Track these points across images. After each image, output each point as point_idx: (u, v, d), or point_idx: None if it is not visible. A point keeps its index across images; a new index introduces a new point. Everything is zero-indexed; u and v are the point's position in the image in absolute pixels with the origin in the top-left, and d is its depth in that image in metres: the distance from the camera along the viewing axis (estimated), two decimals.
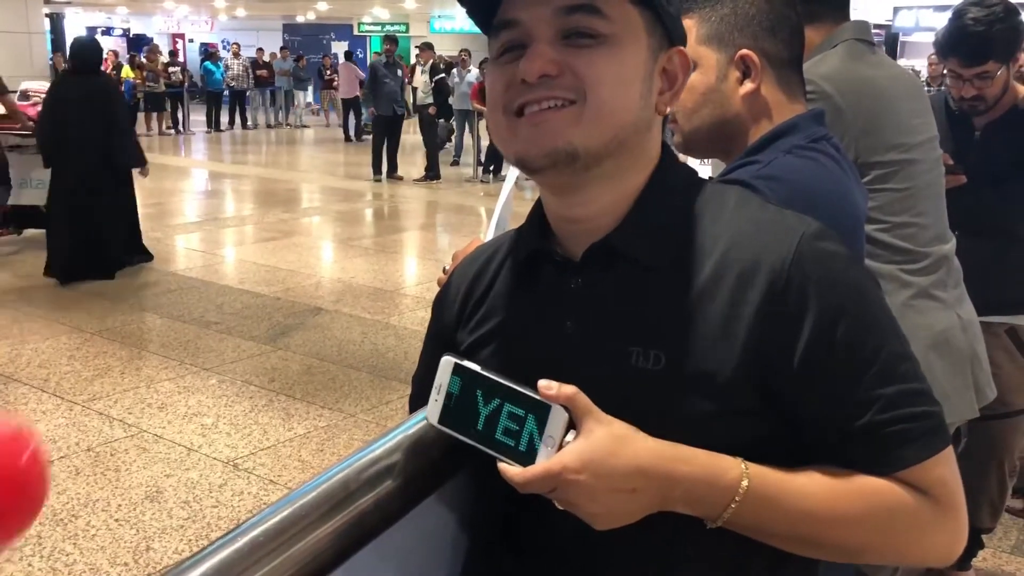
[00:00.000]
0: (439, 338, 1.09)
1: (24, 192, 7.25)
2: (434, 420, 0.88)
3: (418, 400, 1.10)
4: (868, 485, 0.84)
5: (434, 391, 0.88)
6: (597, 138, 0.86)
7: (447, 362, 0.88)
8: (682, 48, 0.93)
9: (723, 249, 0.89)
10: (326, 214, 10.34)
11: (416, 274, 7.64)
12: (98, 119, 6.38)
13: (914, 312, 1.77)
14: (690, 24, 1.35)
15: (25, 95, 7.59)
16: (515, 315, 0.99)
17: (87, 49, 6.86)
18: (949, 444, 0.87)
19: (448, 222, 10.22)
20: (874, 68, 1.82)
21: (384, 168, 12.49)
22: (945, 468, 0.86)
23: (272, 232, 8.99)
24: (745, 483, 0.82)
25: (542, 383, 0.82)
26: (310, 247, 8.46)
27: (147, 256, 7.22)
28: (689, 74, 0.95)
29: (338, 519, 0.81)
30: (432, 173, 12.34)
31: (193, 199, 11.43)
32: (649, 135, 0.92)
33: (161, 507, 3.40)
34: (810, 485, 0.84)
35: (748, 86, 1.34)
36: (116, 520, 3.31)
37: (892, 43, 17.64)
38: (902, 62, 18.39)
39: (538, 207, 0.99)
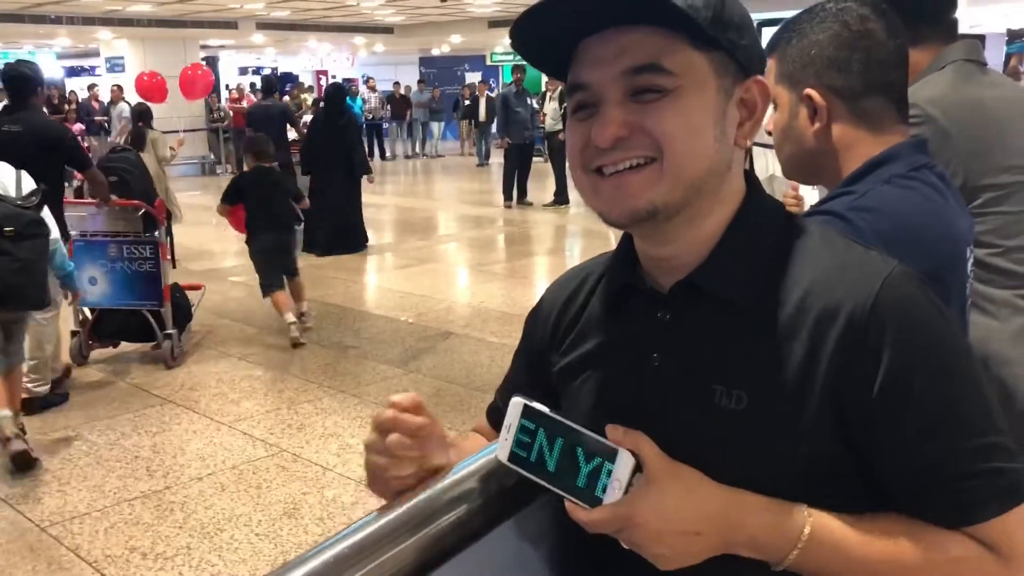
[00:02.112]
0: (528, 355, 1.13)
1: None
2: (504, 458, 0.91)
3: (495, 412, 1.16)
4: (934, 537, 0.84)
5: (504, 430, 0.91)
6: (676, 192, 0.88)
7: (516, 403, 0.90)
8: (760, 77, 0.93)
9: (805, 290, 0.89)
10: (459, 240, 10.61)
11: None
12: (340, 141, 9.09)
13: None
14: (771, 64, 1.39)
15: None
16: (605, 343, 1.01)
17: (338, 92, 9.77)
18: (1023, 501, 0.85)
19: (576, 246, 10.29)
20: (983, 89, 1.78)
21: (515, 194, 12.71)
22: (1016, 525, 0.85)
23: (407, 259, 9.30)
24: (807, 530, 0.84)
25: (610, 427, 0.85)
26: (443, 273, 8.70)
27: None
28: (768, 102, 0.95)
29: (418, 537, 0.87)
30: (561, 198, 12.45)
31: None
32: (729, 174, 0.93)
33: (298, 523, 3.60)
34: (874, 534, 0.85)
35: (816, 125, 1.36)
36: (257, 535, 3.52)
37: None
38: None
39: (628, 236, 1.00)
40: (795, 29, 1.38)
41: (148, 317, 5.57)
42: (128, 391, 5.27)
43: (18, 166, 4.17)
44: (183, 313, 5.88)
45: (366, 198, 9.96)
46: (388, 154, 21.61)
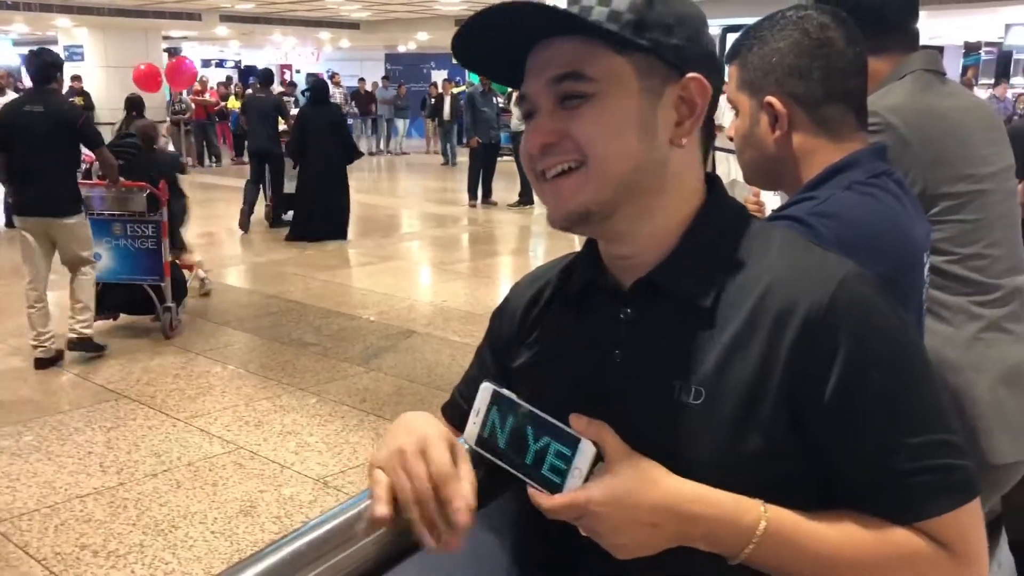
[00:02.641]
0: (492, 352, 1.14)
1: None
2: (471, 442, 0.93)
3: (449, 408, 1.16)
4: (887, 533, 0.86)
5: (473, 414, 0.94)
6: (602, 193, 0.91)
7: (486, 388, 0.93)
8: (696, 75, 0.92)
9: (763, 289, 0.91)
10: (422, 239, 10.58)
11: None
12: (329, 131, 9.54)
13: (983, 345, 1.74)
14: (733, 70, 1.40)
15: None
16: (568, 340, 1.02)
17: (323, 84, 10.58)
18: (975, 498, 0.87)
19: (540, 246, 10.31)
20: (943, 98, 1.80)
21: (479, 193, 12.70)
22: (968, 521, 0.86)
23: (370, 257, 9.25)
24: (763, 525, 0.85)
25: (573, 417, 0.87)
26: (406, 271, 8.68)
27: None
28: (708, 98, 0.94)
29: (376, 535, 0.86)
30: (526, 198, 12.46)
31: None
32: (666, 172, 0.93)
33: (254, 521, 3.56)
34: (829, 529, 0.86)
35: (776, 132, 1.37)
36: (212, 532, 3.48)
37: (1005, 61, 16.96)
38: (1016, 80, 17.64)
39: (593, 239, 1.03)
40: (756, 36, 1.39)
41: (149, 291, 6.01)
42: (82, 385, 5.18)
43: (38, 143, 5.03)
44: (180, 288, 6.31)
45: None
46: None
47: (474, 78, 17.11)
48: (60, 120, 5.23)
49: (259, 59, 29.89)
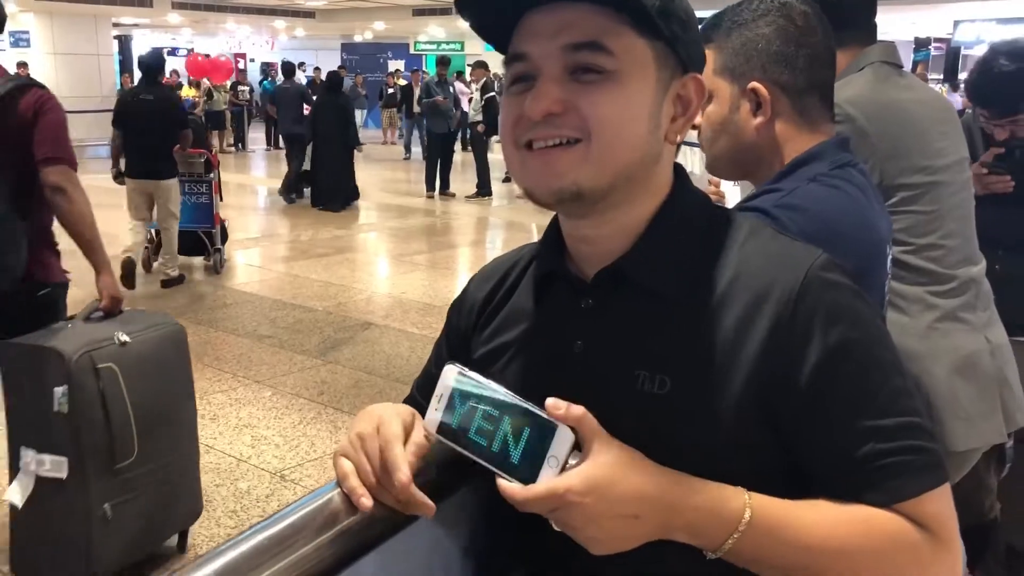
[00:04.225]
0: (450, 344, 1.12)
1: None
2: (432, 429, 0.87)
3: (411, 404, 1.10)
4: (869, 516, 0.84)
5: (434, 399, 0.88)
6: (602, 177, 0.88)
7: (450, 370, 0.87)
8: (697, 75, 0.93)
9: (731, 279, 0.90)
10: (379, 230, 10.50)
11: None
12: (341, 117, 11.24)
13: (939, 335, 1.77)
14: (708, 54, 1.34)
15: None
16: (528, 331, 1.01)
17: (337, 77, 12.00)
18: (946, 482, 0.87)
19: (499, 238, 10.29)
20: (900, 91, 1.83)
21: (437, 185, 12.65)
22: (943, 504, 0.86)
23: (326, 248, 9.16)
24: (748, 514, 0.83)
25: (550, 402, 0.82)
26: (362, 263, 8.60)
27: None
28: (704, 100, 0.95)
29: (331, 532, 0.84)
30: (484, 190, 12.44)
31: (251, 216, 11.69)
32: (658, 165, 0.93)
33: (210, 516, 3.50)
34: (812, 516, 0.84)
35: (759, 119, 1.35)
36: None
37: (954, 57, 17.29)
38: (964, 76, 18.01)
39: (555, 224, 1.00)
40: (734, 21, 1.37)
41: (203, 237, 7.73)
42: None
43: (147, 125, 6.70)
44: (224, 236, 7.98)
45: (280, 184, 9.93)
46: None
47: (432, 68, 17.00)
48: (163, 106, 6.87)
49: (212, 47, 29.41)
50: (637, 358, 0.90)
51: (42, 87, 2.98)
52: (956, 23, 16.58)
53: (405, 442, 0.89)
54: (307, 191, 11.91)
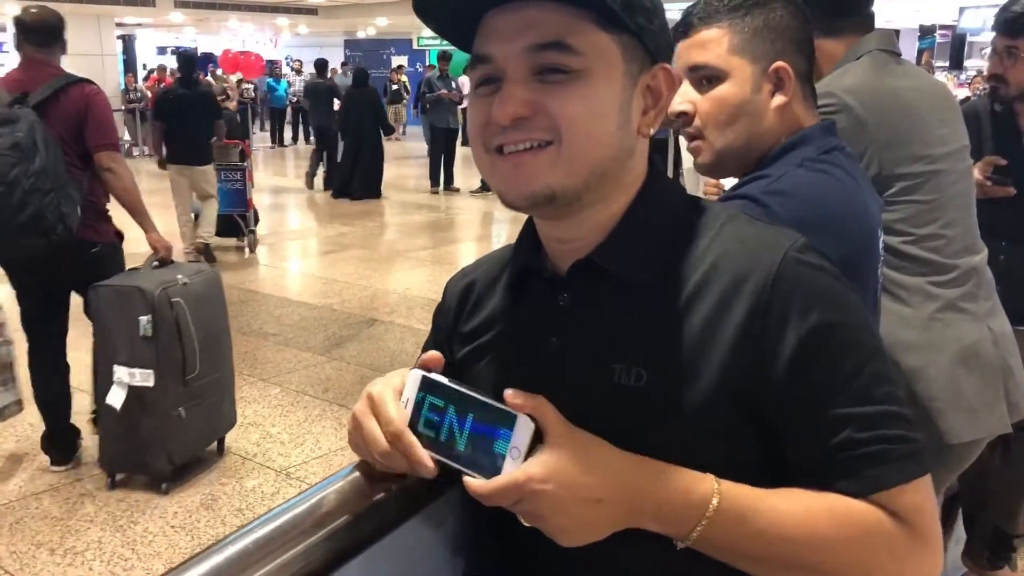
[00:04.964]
0: (436, 345, 1.10)
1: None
2: None
3: None
4: (844, 506, 0.83)
5: (401, 404, 0.88)
6: (575, 177, 0.86)
7: (415, 375, 0.87)
8: (667, 65, 0.92)
9: (707, 267, 0.89)
10: (384, 226, 10.50)
11: None
12: (369, 111, 11.86)
13: (941, 325, 1.75)
14: (719, 33, 1.33)
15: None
16: (506, 330, 1.00)
17: (364, 72, 12.44)
18: (927, 473, 0.85)
19: (503, 232, 10.28)
20: (898, 79, 1.81)
21: (441, 180, 12.64)
22: (922, 496, 0.85)
23: (331, 245, 9.16)
24: (716, 500, 0.81)
25: (508, 392, 0.81)
26: (367, 259, 8.59)
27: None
28: (675, 90, 0.93)
29: (318, 536, 0.84)
30: (488, 185, 12.42)
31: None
32: (632, 160, 0.91)
33: (215, 514, 3.51)
34: (784, 504, 0.83)
35: (780, 99, 1.34)
36: (172, 527, 3.42)
37: (959, 44, 17.18)
38: (970, 63, 17.89)
39: (530, 222, 0.99)
40: (754, 1, 1.33)
41: (237, 219, 8.46)
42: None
43: (185, 117, 7.53)
44: (256, 219, 8.79)
45: (285, 181, 10.13)
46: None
47: (434, 63, 16.95)
48: (199, 100, 7.74)
49: (215, 46, 29.42)
50: (613, 352, 0.89)
51: (90, 82, 3.74)
52: (961, 10, 16.46)
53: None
54: (324, 180, 12.71)
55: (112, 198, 3.74)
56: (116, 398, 3.50)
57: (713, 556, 0.85)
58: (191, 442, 3.78)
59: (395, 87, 20.12)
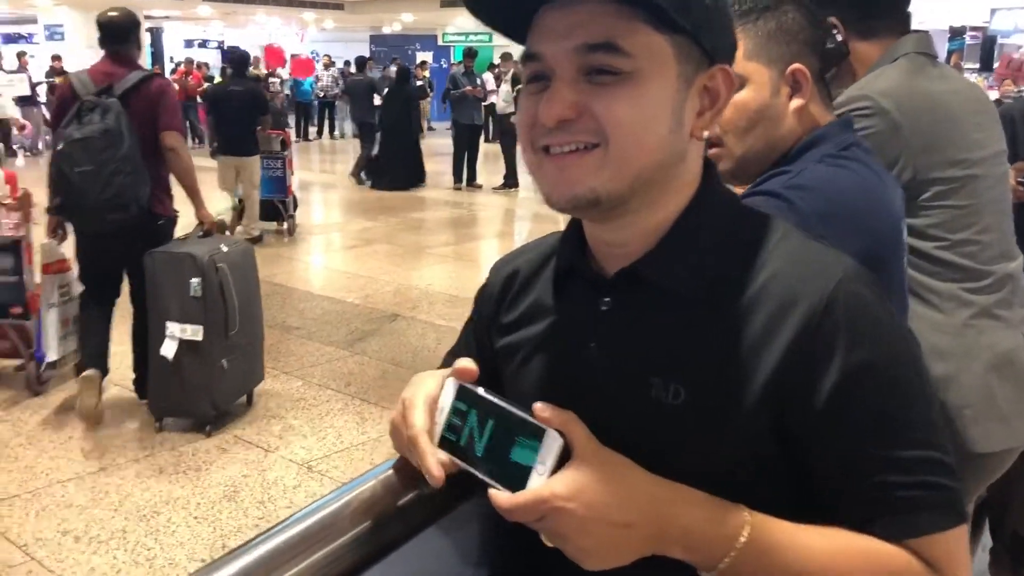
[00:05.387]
0: (476, 331, 1.10)
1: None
2: (435, 443, 0.86)
3: None
4: (874, 548, 0.80)
5: (437, 413, 0.86)
6: (620, 182, 0.84)
7: (450, 384, 0.86)
8: (725, 66, 0.88)
9: (758, 286, 0.85)
10: (407, 222, 10.51)
11: None
12: (407, 105, 12.49)
13: (975, 332, 1.72)
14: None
15: None
16: (546, 328, 0.97)
17: (402, 72, 13.18)
18: (964, 522, 0.83)
19: (525, 230, 10.27)
20: (935, 82, 1.78)
21: (464, 176, 12.64)
22: (957, 545, 0.82)
23: (354, 240, 9.20)
24: (747, 532, 0.79)
25: (538, 406, 0.79)
26: (390, 254, 8.61)
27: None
28: (733, 92, 0.90)
29: (344, 539, 0.84)
30: (511, 181, 12.41)
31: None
32: (683, 164, 0.88)
33: (237, 506, 3.53)
34: (816, 541, 0.80)
35: (798, 102, 1.33)
36: (195, 518, 3.45)
37: (989, 46, 16.97)
38: (998, 65, 17.65)
39: (577, 220, 0.96)
40: (757, 5, 1.33)
41: (278, 205, 9.08)
42: (61, 371, 5.12)
43: (236, 112, 8.18)
44: (295, 204, 9.37)
45: (310, 176, 10.38)
46: (337, 132, 21.32)
47: (458, 59, 16.95)
48: (248, 95, 8.34)
49: (242, 40, 29.58)
50: (651, 365, 0.86)
51: (162, 76, 4.59)
52: (993, 11, 16.27)
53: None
54: (360, 172, 13.15)
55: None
56: (169, 350, 4.06)
57: None
58: (230, 391, 4.35)
59: (419, 83, 20.15)
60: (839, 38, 1.79)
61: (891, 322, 0.86)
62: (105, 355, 4.34)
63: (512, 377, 0.98)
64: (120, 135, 3.87)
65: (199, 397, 4.15)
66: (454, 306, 6.43)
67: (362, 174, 13.01)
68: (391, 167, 12.46)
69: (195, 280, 4.03)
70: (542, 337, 0.98)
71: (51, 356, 4.65)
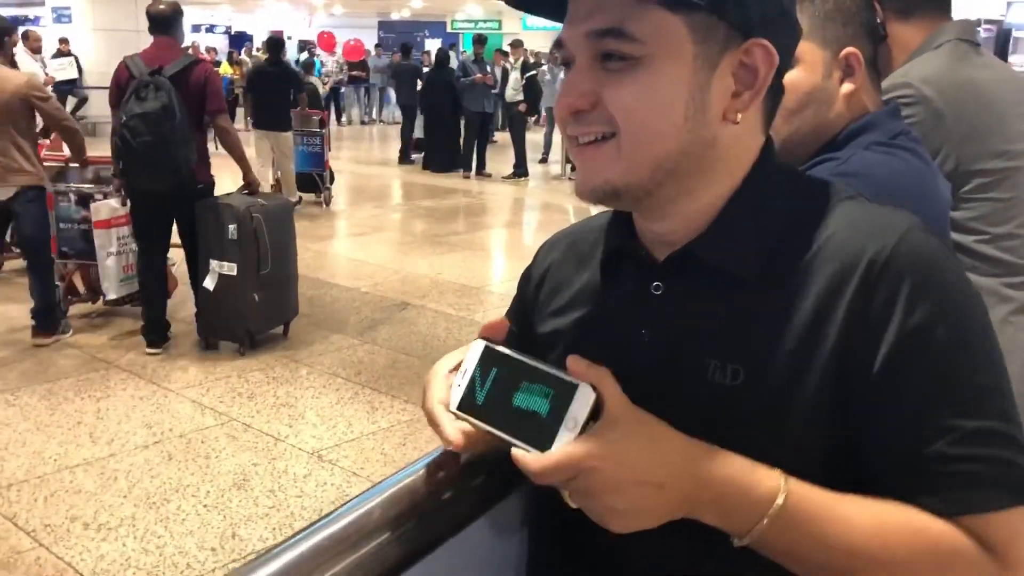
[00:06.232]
0: (518, 315, 1.05)
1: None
2: (453, 407, 0.82)
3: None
4: (924, 525, 0.75)
5: (458, 375, 0.83)
6: (636, 173, 0.81)
7: (478, 344, 0.82)
8: (764, 41, 0.81)
9: (814, 252, 0.81)
10: (416, 210, 10.48)
11: (502, 271, 7.66)
12: (446, 89, 12.50)
13: (1014, 328, 1.67)
14: None
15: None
16: (594, 313, 0.94)
17: (445, 55, 13.44)
18: None
19: (535, 219, 10.22)
20: (979, 70, 1.73)
21: (474, 165, 12.59)
22: (1016, 527, 0.75)
23: (363, 227, 9.16)
24: (781, 498, 0.74)
25: (571, 358, 0.75)
26: (399, 242, 8.58)
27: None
28: (774, 67, 0.83)
29: (399, 530, 0.80)
30: (521, 171, 12.36)
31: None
32: (713, 151, 0.83)
33: (248, 495, 3.50)
34: (857, 514, 0.75)
35: (849, 87, 1.29)
36: (205, 506, 3.42)
37: (1005, 39, 16.84)
38: (1014, 59, 17.54)
39: None
40: None
41: (315, 177, 9.97)
42: (71, 355, 5.09)
43: (270, 90, 9.11)
44: (332, 178, 10.21)
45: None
46: (344, 119, 21.27)
47: (467, 46, 16.90)
48: (283, 77, 9.27)
49: (250, 25, 29.51)
50: (708, 346, 0.83)
51: (206, 61, 5.48)
52: (1009, 4, 16.13)
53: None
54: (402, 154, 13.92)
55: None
56: (211, 282, 5.02)
57: (772, 558, 0.78)
58: (263, 320, 5.25)
59: (427, 70, 20.10)
60: (877, 19, 1.74)
61: (959, 280, 0.80)
62: (159, 295, 5.19)
63: (558, 361, 0.93)
64: (174, 110, 4.60)
65: (235, 323, 5.08)
66: (464, 295, 6.39)
67: (411, 155, 13.69)
68: (433, 149, 13.05)
69: (232, 225, 4.93)
70: (591, 324, 0.94)
71: (111, 295, 5.41)
